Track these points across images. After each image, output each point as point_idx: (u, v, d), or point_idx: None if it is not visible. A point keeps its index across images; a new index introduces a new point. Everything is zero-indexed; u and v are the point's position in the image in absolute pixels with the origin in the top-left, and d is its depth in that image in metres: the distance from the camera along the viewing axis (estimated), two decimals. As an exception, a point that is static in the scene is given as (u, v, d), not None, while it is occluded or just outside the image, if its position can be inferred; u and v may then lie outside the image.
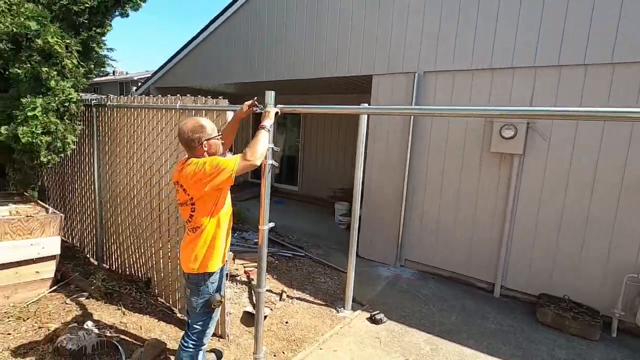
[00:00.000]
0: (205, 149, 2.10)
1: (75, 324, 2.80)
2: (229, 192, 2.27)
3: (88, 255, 4.47)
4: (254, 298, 3.48)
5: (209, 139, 2.10)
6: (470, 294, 4.22)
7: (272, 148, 2.36)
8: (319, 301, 3.84)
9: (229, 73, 6.80)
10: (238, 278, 4.11)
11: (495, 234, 4.20)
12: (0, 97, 3.82)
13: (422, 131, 4.58)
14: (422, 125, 4.57)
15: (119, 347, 2.62)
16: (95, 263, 4.26)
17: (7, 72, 3.68)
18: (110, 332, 2.84)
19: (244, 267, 4.33)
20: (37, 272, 3.34)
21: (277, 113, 2.28)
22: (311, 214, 7.51)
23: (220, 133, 2.23)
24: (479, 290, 4.33)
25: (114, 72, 27.21)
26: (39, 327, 2.84)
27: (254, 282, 3.56)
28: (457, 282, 4.49)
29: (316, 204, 8.25)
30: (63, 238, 4.91)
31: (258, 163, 2.01)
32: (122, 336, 2.82)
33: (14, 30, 3.57)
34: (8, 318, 2.95)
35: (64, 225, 4.94)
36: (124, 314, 3.10)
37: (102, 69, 4.54)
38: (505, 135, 3.91)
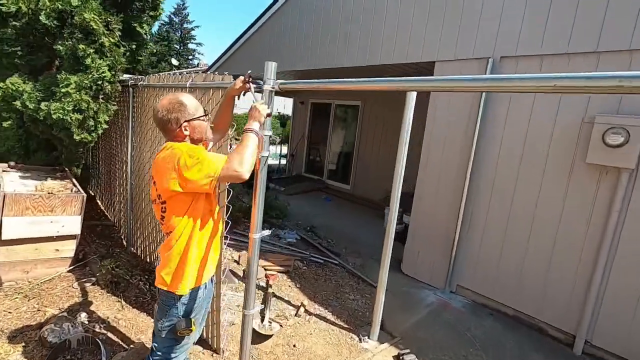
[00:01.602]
0: (187, 132, 1.66)
1: (65, 314, 2.64)
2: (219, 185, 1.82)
3: (122, 237, 4.47)
4: (266, 309, 3.04)
5: (190, 120, 1.66)
6: (540, 343, 3.26)
7: (270, 136, 1.85)
8: (341, 323, 3.26)
9: (282, 59, 6.45)
10: (256, 282, 3.72)
11: (582, 273, 3.17)
12: (50, 74, 3.91)
13: (492, 128, 3.67)
14: (493, 119, 3.67)
15: (101, 346, 2.37)
16: (125, 246, 4.23)
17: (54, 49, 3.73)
18: (100, 327, 2.62)
19: (266, 269, 3.92)
20: (56, 249, 3.32)
21: (268, 114, 1.76)
22: (359, 216, 6.89)
23: (207, 113, 1.78)
24: (552, 340, 3.34)
25: (198, 64, 29.26)
26: (38, 310, 2.74)
27: (272, 289, 3.12)
28: (523, 325, 3.53)
29: (367, 205, 7.58)
30: (107, 216, 5.06)
31: (247, 176, 1.51)
32: (110, 334, 2.58)
33: (60, 6, 3.57)
34: (18, 294, 2.92)
35: (107, 204, 5.07)
36: (122, 307, 2.89)
37: (146, 50, 4.47)
38: (610, 142, 2.87)
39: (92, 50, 3.55)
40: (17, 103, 3.65)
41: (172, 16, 31.02)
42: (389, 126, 7.52)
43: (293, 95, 10.26)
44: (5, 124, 3.95)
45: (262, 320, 2.97)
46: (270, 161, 12.63)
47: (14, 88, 3.71)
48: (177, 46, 31.09)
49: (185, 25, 31.61)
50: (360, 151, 8.20)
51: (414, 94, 2.81)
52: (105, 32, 3.62)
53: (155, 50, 24.93)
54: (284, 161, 10.70)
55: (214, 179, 1.50)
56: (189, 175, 1.49)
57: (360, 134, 8.19)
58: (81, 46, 3.48)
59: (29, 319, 2.65)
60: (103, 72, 3.56)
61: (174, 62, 22.33)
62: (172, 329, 1.69)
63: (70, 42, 3.54)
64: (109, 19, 3.68)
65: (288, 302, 3.47)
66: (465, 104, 3.86)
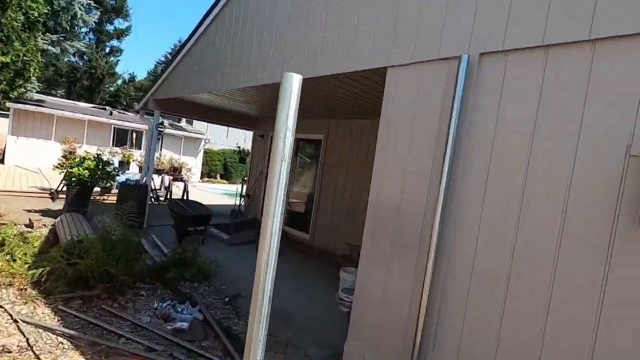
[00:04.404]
0: None
1: None
2: None
3: None
4: None
5: None
6: None
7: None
8: None
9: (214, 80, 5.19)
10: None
11: None
12: None
13: (471, 158, 2.29)
14: (473, 142, 2.29)
15: None
16: None
17: None
18: None
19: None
20: None
21: None
22: (312, 277, 5.30)
23: None
24: None
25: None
26: None
27: None
28: None
29: (327, 261, 6.02)
30: None
31: None
32: None
33: None
34: None
35: None
36: None
37: None
38: (694, 192, 1.47)
39: None
40: None
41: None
42: (355, 163, 6.18)
43: (253, 128, 9.03)
44: None
45: None
46: (227, 201, 11.11)
47: None
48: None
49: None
50: (322, 194, 6.79)
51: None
52: None
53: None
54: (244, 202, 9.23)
55: None
56: None
57: (322, 173, 6.82)
58: None
59: None
60: None
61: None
62: None
63: None
64: None
65: None
66: (436, 123, 2.50)
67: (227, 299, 4.04)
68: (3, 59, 9.35)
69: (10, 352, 2.61)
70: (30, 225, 5.70)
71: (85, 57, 23.84)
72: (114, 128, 16.33)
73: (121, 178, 8.24)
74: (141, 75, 33.03)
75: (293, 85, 1.04)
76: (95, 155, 7.19)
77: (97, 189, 7.79)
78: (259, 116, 8.33)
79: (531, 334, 1.99)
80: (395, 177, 2.70)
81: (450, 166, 2.28)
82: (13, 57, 9.77)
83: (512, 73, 2.16)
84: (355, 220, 5.94)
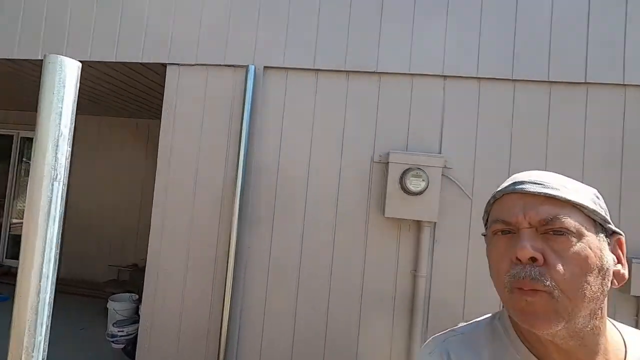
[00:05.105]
0: None
1: None
2: None
3: None
4: None
5: None
6: None
7: None
8: None
9: None
10: None
11: None
12: None
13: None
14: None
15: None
16: None
17: None
18: None
19: None
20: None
21: None
22: (60, 316, 4.07)
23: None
24: None
25: None
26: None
27: None
28: None
29: (85, 295, 4.80)
30: None
31: None
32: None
33: None
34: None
35: None
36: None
37: None
38: (412, 188, 2.12)
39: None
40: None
41: None
42: (122, 157, 5.21)
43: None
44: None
45: None
46: None
47: None
48: None
49: None
50: (70, 198, 5.35)
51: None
52: None
53: None
54: None
55: None
56: None
57: (69, 165, 5.36)
58: None
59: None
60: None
61: None
62: None
63: None
64: None
65: None
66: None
67: None
68: None
69: None
70: None
71: None
72: None
73: None
74: None
75: (67, 74, 0.72)
76: None
77: None
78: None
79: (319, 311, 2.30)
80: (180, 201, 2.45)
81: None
82: None
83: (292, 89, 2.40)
84: (120, 231, 5.05)
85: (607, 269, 0.53)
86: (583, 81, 2.18)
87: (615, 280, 0.54)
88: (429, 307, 2.21)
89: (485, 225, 0.63)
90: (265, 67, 2.39)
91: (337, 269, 2.29)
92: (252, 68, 2.31)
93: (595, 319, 0.53)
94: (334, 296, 2.28)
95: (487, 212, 0.63)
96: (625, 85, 2.16)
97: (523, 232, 0.53)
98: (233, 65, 2.41)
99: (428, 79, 2.30)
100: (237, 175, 2.30)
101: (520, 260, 0.52)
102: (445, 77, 2.29)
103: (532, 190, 0.55)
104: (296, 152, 2.37)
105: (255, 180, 2.37)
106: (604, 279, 0.52)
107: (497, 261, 0.56)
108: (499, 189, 0.61)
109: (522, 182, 0.57)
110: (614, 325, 0.59)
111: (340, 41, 2.35)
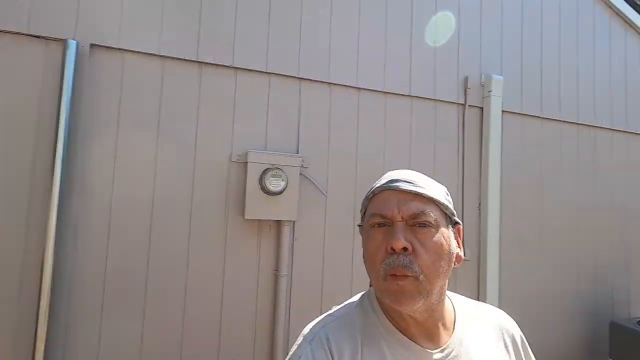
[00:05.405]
0: None
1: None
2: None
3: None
4: None
5: None
6: None
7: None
8: None
9: None
10: None
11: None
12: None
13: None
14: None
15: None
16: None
17: None
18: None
19: None
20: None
21: None
22: None
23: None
24: None
25: None
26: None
27: None
28: None
29: None
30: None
31: None
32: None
33: None
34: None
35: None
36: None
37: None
38: (272, 188, 2.09)
39: None
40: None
41: None
42: None
43: None
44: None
45: None
46: None
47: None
48: None
49: None
50: None
51: None
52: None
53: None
54: None
55: None
56: None
57: None
58: None
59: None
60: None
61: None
62: None
63: None
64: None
65: None
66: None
67: None
68: None
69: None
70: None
71: None
72: None
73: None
74: None
75: None
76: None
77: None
78: None
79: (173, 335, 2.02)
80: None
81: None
82: None
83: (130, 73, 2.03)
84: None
85: (453, 253, 0.64)
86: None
87: (456, 262, 0.65)
88: (290, 303, 2.24)
89: (362, 217, 0.71)
90: (92, 44, 1.94)
91: (193, 283, 2.06)
92: (73, 44, 1.83)
93: (441, 293, 0.64)
94: (190, 312, 2.05)
95: (365, 206, 0.70)
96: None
97: (397, 225, 0.61)
98: (43, 37, 1.86)
99: (285, 79, 2.32)
100: (52, 183, 1.78)
101: (394, 250, 0.59)
102: (301, 79, 2.36)
103: (404, 188, 0.64)
104: (137, 153, 2.01)
105: (80, 189, 1.90)
106: (451, 261, 0.63)
107: (373, 252, 0.63)
108: (376, 185, 0.68)
109: (396, 180, 0.65)
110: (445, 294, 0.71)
111: (192, 26, 2.13)
